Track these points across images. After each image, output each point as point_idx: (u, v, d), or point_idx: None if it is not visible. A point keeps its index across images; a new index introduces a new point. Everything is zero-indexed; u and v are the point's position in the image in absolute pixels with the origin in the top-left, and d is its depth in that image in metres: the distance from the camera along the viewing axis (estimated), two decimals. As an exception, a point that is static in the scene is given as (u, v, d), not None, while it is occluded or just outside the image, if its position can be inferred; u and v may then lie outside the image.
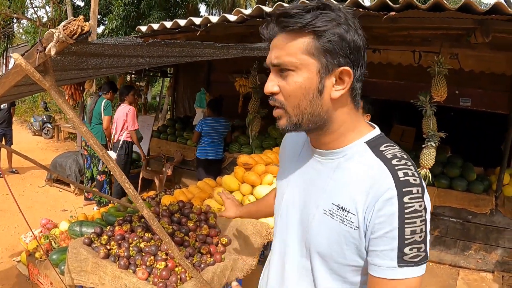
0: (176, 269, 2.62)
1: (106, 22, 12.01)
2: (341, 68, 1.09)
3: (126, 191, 1.95)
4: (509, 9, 3.21)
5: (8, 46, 21.63)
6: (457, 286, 4.77)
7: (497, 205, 5.08)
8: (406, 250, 1.03)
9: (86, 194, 7.09)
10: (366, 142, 1.18)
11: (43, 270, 3.35)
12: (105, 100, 6.67)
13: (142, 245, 2.82)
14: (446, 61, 4.09)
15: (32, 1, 15.37)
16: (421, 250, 1.04)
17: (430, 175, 4.17)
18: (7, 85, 1.82)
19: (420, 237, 1.03)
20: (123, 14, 11.03)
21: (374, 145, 1.17)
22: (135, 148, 6.69)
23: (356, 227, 1.10)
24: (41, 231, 4.02)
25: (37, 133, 14.57)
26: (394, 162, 1.09)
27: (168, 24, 5.11)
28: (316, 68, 1.08)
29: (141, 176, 7.27)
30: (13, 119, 9.65)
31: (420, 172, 4.07)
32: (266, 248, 3.42)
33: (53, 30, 1.47)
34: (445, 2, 3.26)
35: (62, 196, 7.45)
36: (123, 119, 6.32)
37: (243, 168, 4.13)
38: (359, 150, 1.17)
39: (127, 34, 10.93)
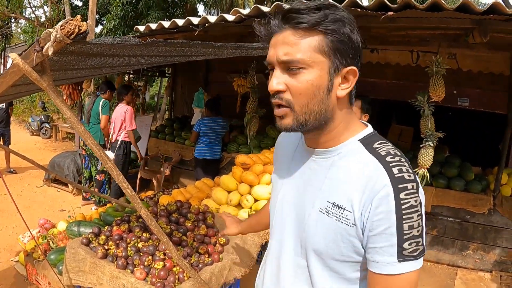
0: (174, 269, 2.63)
1: (104, 21, 12.02)
2: (348, 68, 1.12)
3: (124, 191, 1.95)
4: (507, 9, 3.21)
5: (6, 45, 21.61)
6: (455, 286, 4.77)
7: (495, 204, 5.09)
8: (405, 245, 1.04)
9: (84, 194, 7.08)
10: (360, 140, 1.19)
11: (41, 270, 3.35)
12: (103, 99, 6.67)
13: (140, 245, 2.81)
14: (444, 61, 4.10)
15: (30, 0, 15.36)
16: (419, 244, 1.06)
17: (428, 174, 4.17)
18: (5, 84, 1.82)
19: (418, 231, 1.06)
20: (121, 14, 11.03)
21: (367, 142, 1.18)
22: (133, 148, 6.68)
23: (352, 224, 1.11)
24: (39, 231, 4.02)
25: (35, 133, 14.55)
26: (388, 159, 1.10)
27: (166, 24, 5.11)
28: (327, 67, 1.09)
29: (139, 176, 7.26)
30: (11, 119, 9.64)
31: (417, 172, 4.10)
32: (264, 248, 3.41)
33: (51, 30, 1.47)
34: (443, 2, 3.26)
35: (60, 196, 7.44)
36: (121, 119, 6.31)
37: (241, 168, 4.13)
38: (353, 148, 1.18)
39: (125, 34, 10.93)
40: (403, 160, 1.11)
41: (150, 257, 2.66)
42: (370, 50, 5.36)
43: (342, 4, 3.53)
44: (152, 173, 7.24)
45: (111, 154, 6.27)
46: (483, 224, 5.16)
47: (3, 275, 4.25)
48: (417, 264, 1.07)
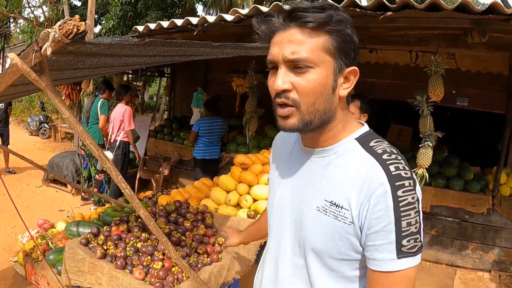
0: (173, 269, 2.62)
1: (103, 21, 12.00)
2: (350, 68, 1.14)
3: (122, 191, 1.95)
4: (506, 9, 3.22)
5: (5, 45, 21.57)
6: (454, 286, 4.78)
7: (494, 204, 5.09)
8: (404, 242, 1.05)
9: (83, 194, 7.07)
10: (356, 139, 1.20)
11: (40, 271, 3.35)
12: (101, 99, 6.66)
13: (139, 245, 2.81)
14: (443, 61, 4.10)
15: (29, 0, 15.34)
16: (418, 240, 1.07)
17: (427, 174, 4.17)
18: (4, 84, 1.82)
19: (416, 228, 1.07)
20: (120, 13, 11.02)
21: (364, 141, 1.19)
22: (132, 148, 6.68)
23: (350, 222, 1.11)
24: (38, 231, 4.01)
25: (34, 133, 14.54)
26: (384, 157, 1.11)
27: (165, 23, 5.11)
28: (332, 67, 1.11)
29: (138, 176, 7.26)
30: (10, 119, 9.64)
31: (416, 172, 4.10)
32: (262, 248, 3.41)
33: (49, 30, 1.47)
34: (442, 2, 3.27)
35: (59, 196, 7.44)
36: (120, 119, 6.31)
37: (240, 168, 4.13)
38: (350, 146, 1.19)
39: (124, 34, 10.92)
40: (399, 158, 1.12)
41: (149, 257, 2.66)
42: (369, 50, 5.36)
43: (341, 4, 3.54)
44: (151, 173, 7.24)
45: (110, 154, 6.27)
46: (482, 224, 5.17)
47: (2, 276, 4.25)
48: (416, 260, 1.08)
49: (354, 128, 1.23)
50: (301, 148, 1.32)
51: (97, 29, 13.40)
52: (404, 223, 1.05)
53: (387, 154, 1.12)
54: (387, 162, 1.10)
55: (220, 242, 3.06)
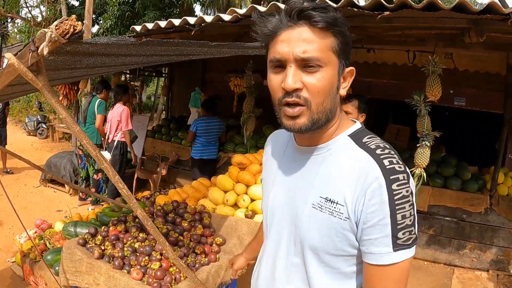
0: (171, 269, 2.62)
1: (101, 21, 12.00)
2: (349, 68, 1.19)
3: (119, 191, 1.95)
4: (503, 9, 3.22)
5: (2, 45, 21.55)
6: (452, 285, 4.78)
7: (491, 204, 5.10)
8: (400, 234, 1.07)
9: (80, 194, 7.06)
10: (349, 135, 1.23)
11: (37, 271, 3.34)
12: (99, 99, 6.66)
13: (136, 245, 2.81)
14: (441, 61, 4.10)
15: (26, 0, 15.32)
16: (412, 233, 1.09)
17: (424, 174, 4.17)
18: (1, 84, 1.81)
19: (410, 220, 1.08)
20: (118, 13, 11.02)
21: (357, 137, 1.21)
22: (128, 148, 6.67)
23: (345, 217, 1.13)
24: (35, 232, 4.01)
25: (31, 133, 14.51)
26: (378, 152, 1.13)
27: (163, 23, 5.10)
28: (337, 66, 1.13)
29: (135, 176, 7.25)
30: (8, 119, 9.62)
31: (414, 172, 4.10)
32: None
33: (46, 30, 1.47)
34: (439, 1, 3.27)
35: (57, 196, 7.43)
36: (117, 120, 6.30)
37: (237, 168, 4.12)
38: (344, 143, 1.21)
39: (122, 34, 10.92)
40: (392, 152, 1.14)
41: (146, 257, 2.66)
42: (367, 50, 5.36)
43: (339, 4, 3.53)
44: (148, 173, 7.23)
45: (107, 155, 6.26)
46: (479, 223, 5.17)
47: (0, 276, 4.24)
48: (411, 252, 1.10)
49: (347, 125, 1.26)
50: (295, 147, 1.33)
51: (95, 29, 13.39)
52: (399, 216, 1.06)
53: (381, 149, 1.14)
54: (381, 157, 1.11)
55: (218, 242, 3.06)
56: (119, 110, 6.32)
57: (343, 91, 1.19)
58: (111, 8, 11.11)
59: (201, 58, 4.48)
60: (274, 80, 1.15)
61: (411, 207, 1.08)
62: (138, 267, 2.61)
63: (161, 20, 6.53)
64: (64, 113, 1.74)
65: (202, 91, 8.15)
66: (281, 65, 1.12)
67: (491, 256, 5.16)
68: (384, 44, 5.06)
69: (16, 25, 21.28)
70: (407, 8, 3.44)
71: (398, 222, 1.06)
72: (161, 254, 2.72)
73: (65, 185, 7.56)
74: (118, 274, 2.56)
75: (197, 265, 2.75)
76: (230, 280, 2.88)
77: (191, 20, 4.71)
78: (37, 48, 1.52)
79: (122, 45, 2.01)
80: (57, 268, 3.02)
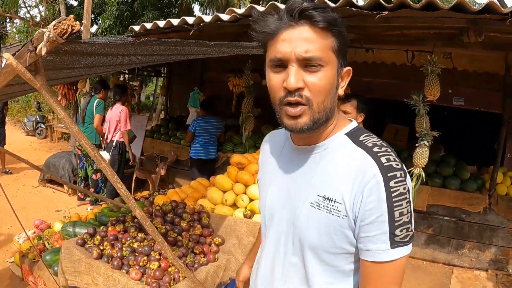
0: (170, 269, 2.62)
1: (100, 21, 11.99)
2: (346, 68, 1.19)
3: (118, 191, 1.94)
4: (502, 9, 3.22)
5: (1, 45, 21.52)
6: (451, 285, 4.79)
7: (490, 203, 5.10)
8: (397, 231, 1.08)
9: (79, 194, 7.06)
10: (346, 134, 1.23)
11: (36, 271, 3.34)
12: (97, 99, 6.65)
13: (135, 245, 2.81)
14: (439, 61, 4.10)
15: (25, 0, 15.30)
16: (409, 230, 1.10)
17: (423, 174, 4.18)
18: (-1, 84, 1.81)
19: (407, 217, 1.09)
20: (117, 13, 11.03)
21: (354, 136, 1.22)
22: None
23: (344, 215, 1.13)
24: (34, 232, 4.01)
25: (30, 133, 14.48)
26: (375, 149, 1.14)
27: (161, 23, 5.10)
28: (337, 66, 1.14)
29: (134, 176, 7.24)
30: (6, 119, 9.61)
31: (413, 171, 4.10)
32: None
33: (44, 30, 1.46)
34: (438, 1, 3.27)
35: (56, 196, 7.42)
36: (116, 120, 6.30)
37: (236, 168, 4.12)
38: (341, 141, 1.22)
39: (121, 34, 10.93)
40: (389, 150, 1.15)
41: (145, 258, 2.66)
42: (366, 50, 5.36)
43: (338, 4, 3.54)
44: (147, 173, 7.22)
45: (106, 155, 6.26)
46: (478, 223, 5.18)
47: (-2, 276, 4.24)
48: (408, 249, 1.11)
49: (343, 124, 1.26)
50: (291, 146, 1.33)
51: (94, 28, 13.39)
52: (396, 213, 1.07)
53: (378, 147, 1.14)
54: (378, 154, 1.12)
55: (217, 242, 3.06)
56: (118, 110, 6.32)
57: (340, 91, 1.20)
58: (110, 8, 11.12)
59: (200, 58, 4.48)
60: (274, 79, 1.14)
61: (408, 204, 1.09)
62: (137, 267, 2.61)
63: (159, 20, 6.53)
64: (63, 113, 1.74)
65: (201, 91, 8.13)
66: (281, 65, 1.12)
67: (490, 255, 5.16)
68: (383, 44, 5.06)
69: (14, 25, 21.28)
70: (405, 7, 3.44)
71: (396, 219, 1.07)
72: (160, 254, 2.72)
73: (64, 185, 7.55)
74: (116, 274, 2.56)
75: (196, 265, 2.75)
76: (229, 280, 2.88)
77: (190, 20, 4.71)
78: (35, 48, 1.52)
79: (120, 45, 2.01)
80: (56, 268, 3.02)
